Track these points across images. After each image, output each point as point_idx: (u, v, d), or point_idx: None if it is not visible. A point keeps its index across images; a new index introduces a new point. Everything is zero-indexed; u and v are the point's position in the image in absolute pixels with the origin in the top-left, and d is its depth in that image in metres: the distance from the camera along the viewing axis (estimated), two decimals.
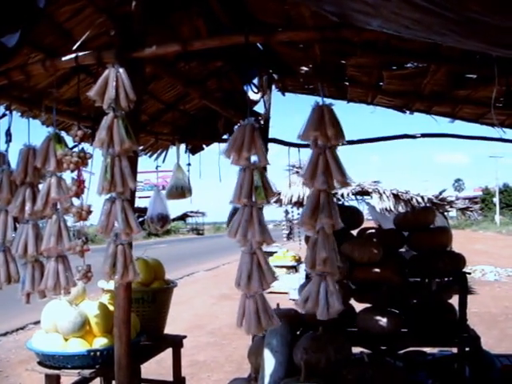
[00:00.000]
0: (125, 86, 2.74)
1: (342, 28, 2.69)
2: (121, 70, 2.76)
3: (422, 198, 10.48)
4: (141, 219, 5.23)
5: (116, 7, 3.19)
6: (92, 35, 3.38)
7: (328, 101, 2.88)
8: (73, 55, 3.03)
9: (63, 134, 3.30)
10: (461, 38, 1.49)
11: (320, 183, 2.75)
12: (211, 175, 5.45)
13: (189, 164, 5.53)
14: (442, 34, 1.52)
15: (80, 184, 2.89)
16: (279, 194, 10.12)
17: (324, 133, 2.76)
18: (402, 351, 4.94)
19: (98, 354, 3.79)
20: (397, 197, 10.26)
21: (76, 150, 2.93)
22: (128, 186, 2.73)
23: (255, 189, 2.71)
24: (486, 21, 1.20)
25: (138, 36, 3.06)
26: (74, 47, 3.19)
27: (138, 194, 3.40)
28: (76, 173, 2.90)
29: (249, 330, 2.74)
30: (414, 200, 10.35)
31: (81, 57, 3.02)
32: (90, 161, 2.93)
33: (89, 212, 2.83)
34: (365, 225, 5.65)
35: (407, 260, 5.15)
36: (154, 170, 5.77)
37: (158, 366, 6.22)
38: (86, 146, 3.00)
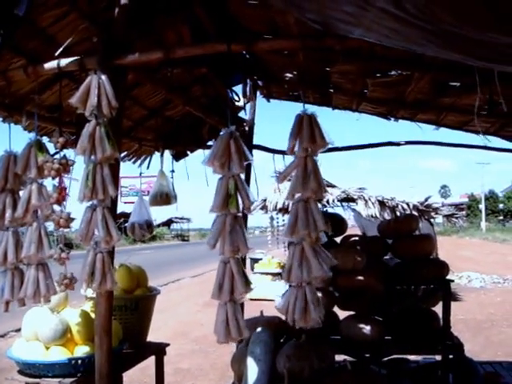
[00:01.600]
0: (107, 93, 2.73)
1: (325, 36, 2.70)
2: (103, 77, 2.75)
3: (408, 204, 10.50)
4: (126, 224, 5.23)
5: (99, 13, 3.17)
6: (75, 41, 3.35)
7: (313, 108, 2.90)
8: (55, 62, 3.02)
9: (46, 139, 3.28)
10: (439, 49, 1.50)
11: (320, 193, 2.85)
12: (196, 181, 5.43)
13: (172, 171, 5.51)
14: (421, 45, 1.53)
15: (61, 191, 2.87)
16: (264, 200, 10.14)
17: (316, 143, 2.80)
18: (385, 359, 4.94)
19: (80, 362, 3.74)
20: (382, 203, 10.27)
21: (58, 156, 2.91)
22: (109, 194, 2.72)
23: (229, 197, 2.72)
24: (458, 33, 1.20)
25: (120, 42, 3.04)
26: (57, 53, 3.17)
27: (123, 199, 3.39)
28: (57, 180, 2.88)
29: (218, 338, 2.76)
30: (400, 207, 10.37)
31: (63, 63, 3.00)
32: (71, 167, 2.91)
33: (68, 219, 2.81)
34: (350, 231, 5.65)
35: (391, 267, 5.16)
36: (138, 175, 5.75)
37: (141, 373, 6.18)
38: (69, 152, 2.98)
